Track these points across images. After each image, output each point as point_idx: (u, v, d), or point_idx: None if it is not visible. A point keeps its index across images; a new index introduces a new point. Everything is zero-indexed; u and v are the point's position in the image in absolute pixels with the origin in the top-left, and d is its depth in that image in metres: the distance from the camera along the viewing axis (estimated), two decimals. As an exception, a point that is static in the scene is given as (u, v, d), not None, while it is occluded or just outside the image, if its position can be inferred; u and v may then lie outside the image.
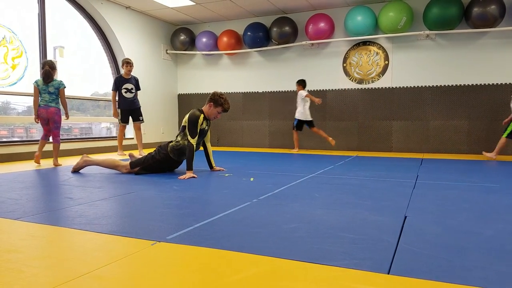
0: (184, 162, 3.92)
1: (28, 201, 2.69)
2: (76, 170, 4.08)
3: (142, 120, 6.34)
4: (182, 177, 3.62)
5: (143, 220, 2.20)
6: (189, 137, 3.76)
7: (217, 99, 3.86)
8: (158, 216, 2.26)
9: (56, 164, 4.71)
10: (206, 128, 3.97)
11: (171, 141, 3.97)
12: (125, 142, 6.84)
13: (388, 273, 1.40)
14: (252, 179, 3.62)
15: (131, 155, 4.35)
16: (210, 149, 4.18)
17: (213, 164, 4.18)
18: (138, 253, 1.63)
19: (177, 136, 3.95)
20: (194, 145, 3.75)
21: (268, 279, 1.37)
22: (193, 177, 3.65)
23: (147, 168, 3.92)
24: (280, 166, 4.73)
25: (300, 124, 6.78)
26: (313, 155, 6.19)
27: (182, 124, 3.91)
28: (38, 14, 5.93)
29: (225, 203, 2.58)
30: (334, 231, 1.94)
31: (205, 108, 3.94)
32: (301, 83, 6.80)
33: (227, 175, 3.91)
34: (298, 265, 1.50)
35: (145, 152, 4.61)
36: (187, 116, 3.85)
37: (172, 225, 2.04)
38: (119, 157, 5.64)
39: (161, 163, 3.93)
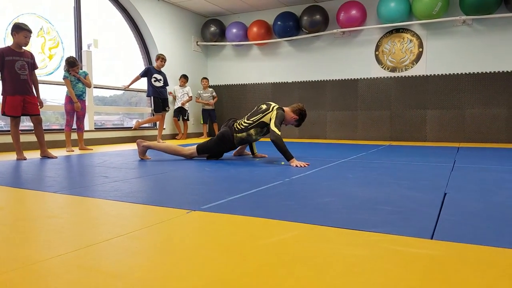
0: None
1: (65, 179, 2.76)
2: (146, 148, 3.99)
3: (168, 110, 6.84)
4: (296, 163, 3.37)
5: (178, 193, 2.23)
6: (276, 130, 3.53)
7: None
8: (192, 191, 2.28)
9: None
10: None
11: (236, 131, 3.80)
12: (145, 133, 6.96)
13: (432, 239, 1.34)
14: (282, 163, 3.59)
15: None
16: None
17: (255, 151, 4.17)
18: (174, 219, 1.63)
19: (250, 129, 3.77)
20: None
21: (304, 241, 1.34)
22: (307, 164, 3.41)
23: (214, 155, 3.90)
24: (310, 153, 4.67)
25: None
26: (342, 144, 6.08)
27: (261, 120, 3.75)
28: (74, 7, 6.08)
29: (258, 181, 2.56)
30: (371, 204, 1.88)
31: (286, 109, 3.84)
32: None
33: (258, 159, 3.90)
34: (335, 230, 1.46)
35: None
36: (273, 112, 3.70)
37: (206, 198, 2.04)
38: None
39: (221, 147, 3.87)
